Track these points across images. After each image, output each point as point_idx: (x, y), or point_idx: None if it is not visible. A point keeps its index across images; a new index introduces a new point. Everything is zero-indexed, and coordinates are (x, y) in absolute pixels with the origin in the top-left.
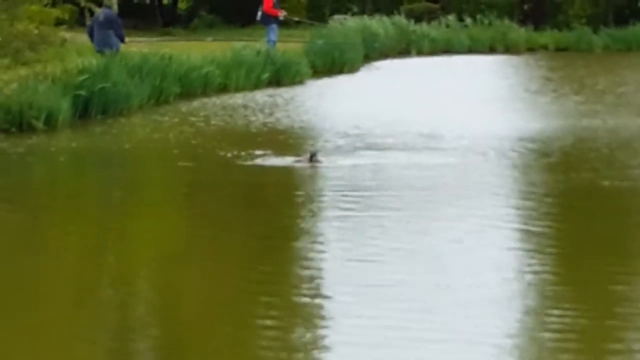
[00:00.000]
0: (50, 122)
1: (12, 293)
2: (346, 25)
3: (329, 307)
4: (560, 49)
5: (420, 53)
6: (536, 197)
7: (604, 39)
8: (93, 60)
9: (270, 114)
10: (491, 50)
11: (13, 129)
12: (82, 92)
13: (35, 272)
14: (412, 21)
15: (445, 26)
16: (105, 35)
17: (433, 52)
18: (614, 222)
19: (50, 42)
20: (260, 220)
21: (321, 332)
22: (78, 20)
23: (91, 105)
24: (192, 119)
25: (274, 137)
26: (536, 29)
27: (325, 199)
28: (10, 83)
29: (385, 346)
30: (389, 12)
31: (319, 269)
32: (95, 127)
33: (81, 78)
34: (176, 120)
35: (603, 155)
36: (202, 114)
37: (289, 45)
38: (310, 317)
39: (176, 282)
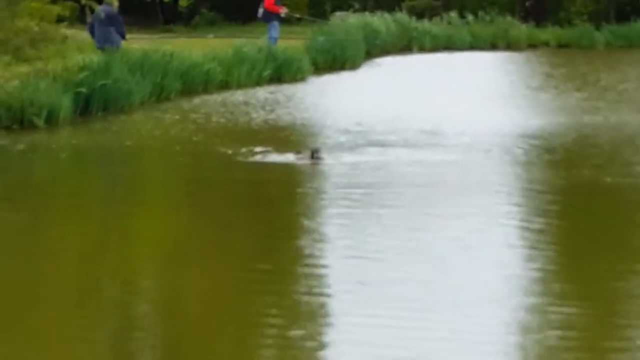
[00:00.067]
0: (51, 119)
1: (13, 292)
2: (347, 22)
3: (330, 305)
4: (562, 46)
5: (421, 50)
6: (538, 194)
7: (606, 35)
8: (94, 57)
9: (272, 111)
10: (493, 47)
11: (14, 126)
12: (83, 89)
13: (36, 271)
14: (414, 18)
15: (446, 23)
16: (107, 32)
17: (434, 48)
18: (616, 220)
19: (51, 39)
20: (261, 217)
21: (322, 330)
22: (79, 17)
23: (92, 102)
24: (193, 115)
25: (276, 134)
26: (538, 25)
27: (326, 196)
28: (11, 80)
29: (386, 345)
30: (391, 9)
31: (320, 267)
32: (96, 124)
33: (82, 75)
34: (177, 117)
35: (605, 152)
36: (203, 110)
37: (291, 42)
38: (311, 315)
39: (177, 281)
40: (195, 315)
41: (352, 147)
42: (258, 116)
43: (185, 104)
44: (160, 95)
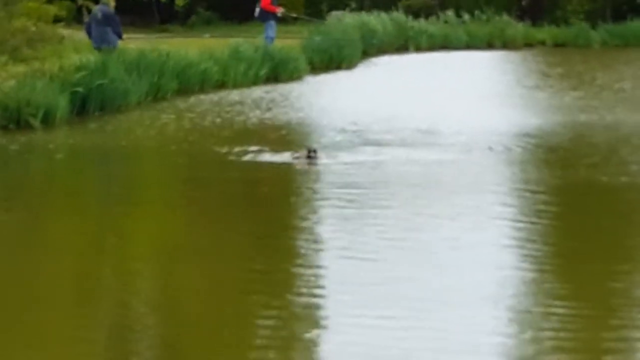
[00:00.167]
0: (48, 119)
1: (10, 292)
2: (344, 21)
3: (326, 306)
4: (558, 45)
5: (418, 49)
6: (534, 194)
7: (602, 34)
8: (91, 57)
9: (268, 110)
10: (489, 46)
11: (11, 126)
12: (80, 89)
13: (33, 271)
14: (410, 17)
15: (443, 22)
16: (103, 32)
17: (431, 48)
18: (612, 219)
19: (48, 39)
20: (257, 217)
21: (318, 330)
22: (75, 18)
23: (89, 102)
24: (190, 115)
25: (272, 133)
26: (534, 24)
27: (322, 195)
28: (8, 80)
29: (382, 345)
30: (387, 8)
31: (316, 267)
32: (93, 123)
33: (79, 75)
34: (174, 116)
35: (601, 151)
36: (199, 110)
37: (287, 41)
38: (307, 315)
39: (175, 281)
40: (192, 314)
41: (349, 147)
42: (254, 116)
43: (181, 103)
44: (156, 94)
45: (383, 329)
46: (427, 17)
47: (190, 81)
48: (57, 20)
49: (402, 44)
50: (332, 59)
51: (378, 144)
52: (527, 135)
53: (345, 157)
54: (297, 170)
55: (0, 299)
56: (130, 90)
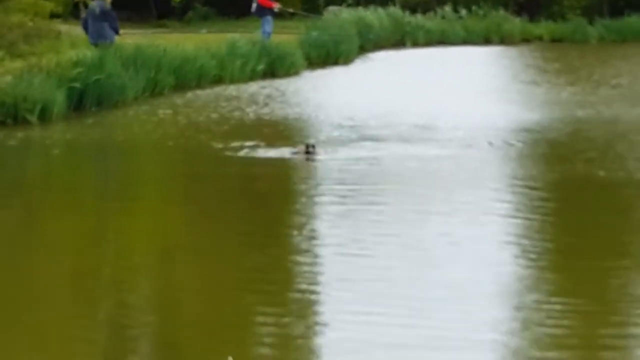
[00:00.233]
0: (45, 115)
1: (8, 291)
2: (341, 16)
3: (324, 303)
4: (555, 40)
5: (415, 44)
6: (531, 189)
7: (599, 29)
8: (88, 53)
9: (265, 106)
10: (486, 41)
11: (8, 121)
12: (77, 85)
13: (31, 268)
14: (407, 12)
15: (440, 17)
16: (100, 28)
17: (428, 43)
18: (609, 215)
19: (44, 35)
20: (255, 214)
21: (316, 327)
22: (72, 13)
23: (86, 98)
24: (187, 110)
25: (269, 128)
26: (531, 19)
27: (320, 192)
28: (5, 76)
29: (381, 342)
30: (384, 4)
31: (313, 264)
32: (90, 119)
33: (76, 70)
34: (171, 112)
35: (599, 147)
36: (196, 105)
37: (284, 37)
38: (305, 313)
39: (173, 279)
40: (191, 313)
41: (346, 142)
42: (251, 111)
43: (178, 99)
44: (153, 90)
45: (381, 325)
46: (424, 12)
47: (187, 76)
48: (53, 15)
49: (399, 40)
50: (329, 55)
51: (375, 139)
52: (525, 130)
53: (342, 152)
54: (295, 166)
55: None
56: (127, 86)
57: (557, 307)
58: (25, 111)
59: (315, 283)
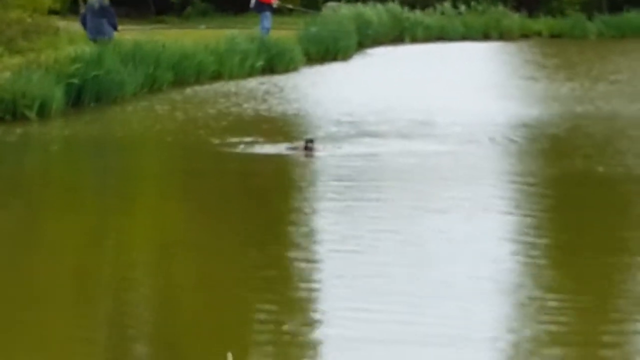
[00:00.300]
0: (44, 111)
1: (7, 290)
2: (339, 12)
3: (322, 298)
4: (554, 36)
5: (414, 40)
6: (530, 185)
7: (598, 25)
8: (86, 49)
9: (264, 102)
10: (485, 37)
11: (7, 118)
12: (76, 81)
13: (30, 268)
14: (406, 8)
15: (439, 13)
16: (99, 24)
17: (427, 39)
18: (608, 211)
19: (43, 31)
20: (254, 211)
21: (314, 324)
22: (71, 9)
23: (84, 94)
24: (186, 106)
25: (268, 124)
26: (530, 15)
27: (318, 188)
28: (4, 72)
29: (379, 339)
30: None
31: (312, 261)
32: (89, 115)
33: (74, 66)
34: (169, 108)
35: (597, 142)
36: (195, 101)
37: (283, 32)
38: (304, 310)
39: (171, 275)
40: (190, 311)
41: (345, 138)
42: (250, 107)
43: (177, 95)
44: (152, 86)
45: (379, 322)
46: (423, 8)
47: (185, 72)
48: (52, 12)
49: (397, 35)
50: (327, 50)
51: (374, 135)
52: (524, 126)
53: (341, 148)
54: (294, 162)
55: None
56: (125, 82)
57: (556, 303)
58: (24, 107)
59: (314, 280)
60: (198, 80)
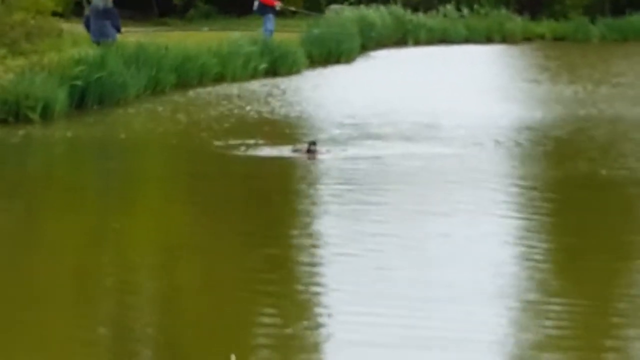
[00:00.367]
0: (47, 113)
1: (9, 291)
2: (343, 15)
3: (324, 302)
4: (557, 39)
5: (417, 43)
6: (533, 188)
7: (601, 28)
8: (89, 51)
9: (267, 104)
10: (488, 40)
11: (10, 120)
12: (79, 83)
13: (32, 269)
14: (409, 11)
15: (442, 16)
16: (102, 26)
17: (430, 42)
18: (611, 215)
19: (46, 33)
20: (256, 213)
21: (317, 327)
22: (74, 11)
23: (88, 96)
24: (188, 109)
25: (271, 127)
26: (533, 18)
27: (321, 191)
28: (7, 74)
29: (382, 343)
30: (386, 2)
31: (314, 265)
32: (92, 117)
33: (78, 68)
34: (172, 110)
35: (600, 145)
36: (198, 104)
37: (286, 35)
38: (306, 314)
39: (174, 277)
40: (192, 314)
41: (348, 141)
42: (253, 109)
43: (180, 97)
44: (155, 88)
45: (381, 325)
46: (426, 10)
47: (189, 75)
48: (55, 14)
49: (400, 38)
50: (330, 53)
51: (377, 137)
52: (526, 129)
53: (344, 151)
54: (296, 165)
55: None
56: (128, 84)
57: (559, 307)
58: (27, 109)
59: (316, 283)
60: (201, 83)
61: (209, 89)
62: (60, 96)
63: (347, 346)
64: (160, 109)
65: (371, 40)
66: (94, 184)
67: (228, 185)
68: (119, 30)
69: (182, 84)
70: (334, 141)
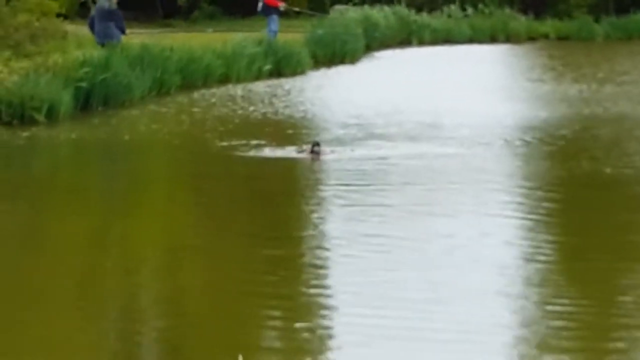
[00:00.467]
0: (52, 114)
1: (13, 292)
2: (347, 15)
3: (330, 303)
4: (562, 38)
5: (421, 43)
6: (537, 188)
7: (605, 27)
8: (94, 52)
9: (271, 105)
10: (492, 39)
11: (15, 122)
12: (84, 84)
13: (37, 271)
14: (413, 11)
15: (446, 16)
16: (106, 27)
17: (434, 42)
18: (616, 214)
19: (51, 35)
20: (260, 214)
21: (323, 328)
22: (79, 13)
23: (92, 97)
24: (193, 110)
25: (275, 127)
26: (537, 18)
27: (325, 193)
28: (11, 76)
29: (386, 343)
30: (390, 2)
31: (318, 267)
32: (97, 118)
33: (82, 70)
34: (177, 111)
35: (605, 144)
36: (203, 105)
37: (290, 35)
38: (310, 316)
39: (178, 278)
40: (196, 316)
41: (352, 141)
42: (257, 110)
43: (184, 98)
44: (160, 89)
45: (384, 326)
46: (430, 11)
47: (193, 76)
48: (59, 15)
49: (405, 38)
50: (335, 53)
51: (381, 138)
52: (531, 128)
53: (348, 151)
54: (301, 165)
55: (2, 299)
56: (133, 85)
57: (563, 308)
58: (32, 110)
59: (320, 284)
60: (205, 84)
61: (214, 90)
62: (65, 98)
63: (352, 347)
64: (164, 110)
65: (375, 41)
66: (98, 185)
67: (232, 186)
68: (123, 32)
69: (187, 85)
70: (339, 141)
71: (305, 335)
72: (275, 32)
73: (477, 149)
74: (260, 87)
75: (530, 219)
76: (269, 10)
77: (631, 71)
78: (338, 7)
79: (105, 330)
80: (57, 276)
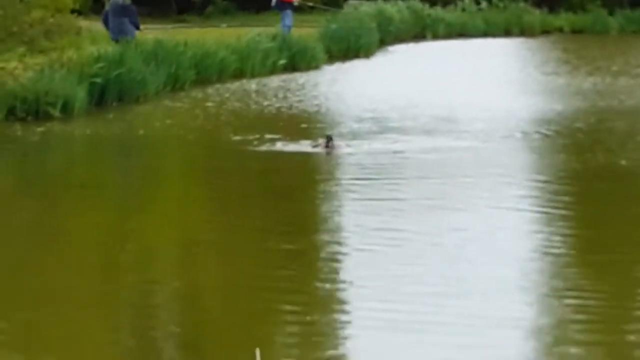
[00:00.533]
0: (67, 110)
1: (28, 289)
2: (361, 9)
3: (344, 297)
4: (576, 31)
5: (435, 37)
6: (553, 181)
7: (619, 20)
8: (108, 48)
9: (286, 99)
10: (506, 33)
11: (29, 118)
12: (98, 80)
13: (51, 267)
14: (427, 5)
15: (460, 10)
16: (120, 23)
17: (448, 36)
18: (631, 206)
19: (65, 31)
20: (275, 209)
21: (339, 322)
22: (93, 9)
23: (107, 93)
24: (208, 105)
25: (290, 122)
26: (551, 11)
27: (339, 187)
28: (26, 72)
29: (400, 338)
30: None
31: (333, 261)
32: (111, 114)
33: (97, 66)
34: (191, 106)
35: (620, 136)
36: (217, 100)
37: (304, 30)
38: (327, 307)
39: (194, 274)
40: (211, 312)
41: (367, 135)
42: (272, 105)
43: (199, 93)
44: (174, 85)
45: (399, 321)
46: (444, 5)
47: (208, 71)
48: (73, 11)
49: (419, 32)
50: (349, 48)
51: (396, 131)
52: (546, 121)
53: (363, 145)
54: (315, 159)
55: (17, 295)
56: (148, 81)
57: (578, 301)
58: (47, 105)
59: (335, 278)
60: (220, 79)
61: (228, 85)
62: (80, 93)
63: (366, 340)
64: (179, 105)
65: (389, 35)
66: (112, 181)
67: (247, 180)
68: (137, 28)
69: (201, 80)
70: (353, 135)
71: (320, 328)
72: (289, 27)
73: (492, 142)
74: (275, 81)
75: (545, 212)
76: (283, 5)
77: None
78: (352, 1)
79: (120, 326)
80: (72, 272)
